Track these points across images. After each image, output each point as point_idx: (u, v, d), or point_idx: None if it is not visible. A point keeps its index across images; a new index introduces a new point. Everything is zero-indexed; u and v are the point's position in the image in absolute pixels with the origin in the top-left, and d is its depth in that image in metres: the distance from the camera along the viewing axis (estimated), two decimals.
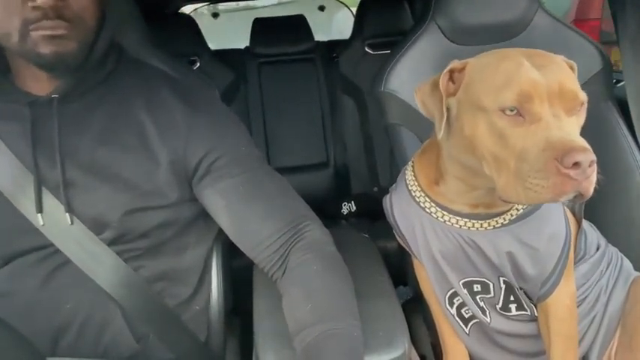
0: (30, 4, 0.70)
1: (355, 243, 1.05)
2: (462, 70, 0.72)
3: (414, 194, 0.85)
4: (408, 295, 1.26)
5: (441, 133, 0.71)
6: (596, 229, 0.98)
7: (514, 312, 0.87)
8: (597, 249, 0.93)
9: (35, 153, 0.78)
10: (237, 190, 0.83)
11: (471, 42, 1.12)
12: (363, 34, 2.13)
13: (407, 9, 2.18)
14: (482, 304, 0.88)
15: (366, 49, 2.12)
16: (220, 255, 1.00)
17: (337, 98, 2.17)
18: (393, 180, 0.95)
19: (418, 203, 0.84)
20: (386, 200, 0.92)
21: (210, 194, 0.84)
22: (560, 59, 0.68)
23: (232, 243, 0.86)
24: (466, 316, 0.91)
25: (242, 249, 0.85)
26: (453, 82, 0.73)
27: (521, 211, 0.79)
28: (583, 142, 0.60)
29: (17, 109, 0.79)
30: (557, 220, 0.81)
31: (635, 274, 0.95)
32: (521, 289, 0.85)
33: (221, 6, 3.53)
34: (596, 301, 0.89)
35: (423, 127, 1.08)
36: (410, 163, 0.89)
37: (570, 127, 0.63)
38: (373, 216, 1.92)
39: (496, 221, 0.79)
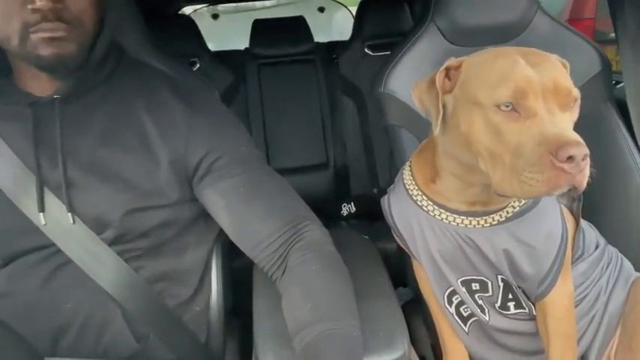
0: (29, 6, 0.70)
1: (355, 244, 1.05)
2: (458, 67, 0.73)
3: (411, 193, 0.85)
4: (408, 296, 1.26)
5: (437, 130, 0.72)
6: (595, 228, 0.99)
7: (513, 310, 0.88)
8: (596, 248, 0.94)
9: (37, 153, 0.78)
10: (237, 190, 0.83)
11: (471, 43, 1.12)
12: (363, 35, 2.13)
13: (406, 10, 2.18)
14: (480, 302, 0.88)
15: (366, 50, 2.12)
16: (220, 255, 1.00)
17: (337, 99, 2.17)
18: (392, 181, 0.96)
19: (415, 202, 0.85)
20: (384, 200, 0.92)
21: (210, 194, 0.84)
22: (553, 58, 0.70)
23: (232, 243, 0.87)
24: (465, 314, 0.91)
25: (242, 249, 0.85)
26: (450, 80, 0.74)
27: (518, 208, 0.80)
28: (576, 137, 0.61)
29: (19, 110, 0.79)
30: (553, 218, 0.81)
31: (636, 274, 0.95)
32: (519, 287, 0.85)
33: (221, 7, 3.53)
34: (596, 300, 0.90)
35: (423, 129, 1.08)
36: (407, 162, 0.90)
37: (564, 122, 0.64)
38: (373, 217, 1.92)
39: (492, 218, 0.80)
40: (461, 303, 0.90)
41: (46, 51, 0.73)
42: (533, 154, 0.61)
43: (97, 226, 0.80)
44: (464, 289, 0.87)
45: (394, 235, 0.93)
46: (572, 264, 0.87)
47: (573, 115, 0.67)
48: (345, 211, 2.02)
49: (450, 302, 0.91)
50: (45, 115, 0.79)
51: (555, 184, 0.60)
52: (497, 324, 0.89)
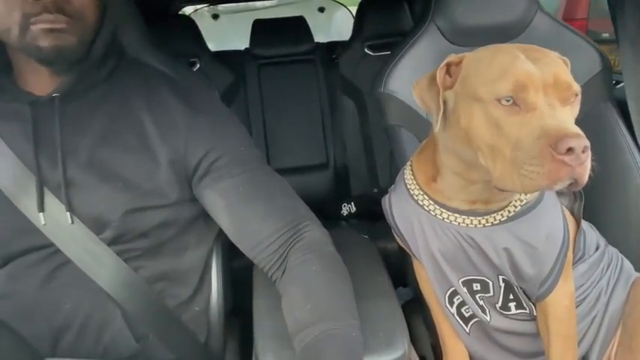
0: None
1: (355, 244, 1.05)
2: (458, 63, 0.73)
3: (412, 192, 0.85)
4: (408, 295, 1.26)
5: (437, 126, 0.72)
6: (595, 229, 0.98)
7: (514, 311, 0.88)
8: (597, 249, 0.94)
9: (37, 153, 0.78)
10: (236, 190, 0.83)
11: (471, 43, 1.11)
12: (363, 36, 2.13)
13: (406, 10, 2.18)
14: (481, 302, 0.88)
15: (366, 50, 2.12)
16: (220, 255, 1.00)
17: (337, 99, 2.17)
18: (392, 181, 0.95)
19: (416, 201, 0.84)
20: (385, 200, 0.92)
21: (210, 194, 0.84)
22: (554, 54, 0.70)
23: (232, 243, 0.87)
24: (466, 315, 0.91)
25: (242, 249, 0.85)
26: (450, 76, 0.74)
27: (519, 208, 0.79)
28: (576, 129, 0.61)
29: (18, 109, 0.80)
30: (554, 219, 0.81)
31: (636, 275, 0.95)
32: (520, 288, 0.85)
33: (221, 7, 3.53)
34: (597, 301, 0.90)
35: (423, 128, 1.08)
36: (408, 162, 0.90)
37: (565, 116, 0.64)
38: (373, 217, 1.92)
39: (494, 218, 0.79)
40: (462, 304, 0.90)
41: (45, 42, 0.73)
42: (533, 148, 0.61)
43: (97, 225, 0.80)
44: (465, 290, 0.87)
45: (395, 235, 0.93)
46: (572, 265, 0.87)
47: (574, 109, 0.67)
48: (345, 211, 2.02)
49: (452, 303, 0.91)
50: (44, 114, 0.79)
51: (556, 176, 0.60)
52: (498, 324, 0.89)
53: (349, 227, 1.98)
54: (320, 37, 2.33)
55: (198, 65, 2.03)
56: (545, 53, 0.69)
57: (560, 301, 0.83)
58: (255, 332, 0.80)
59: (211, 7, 3.40)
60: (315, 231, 0.84)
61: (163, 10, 2.20)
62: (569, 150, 0.59)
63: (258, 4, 3.48)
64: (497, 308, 0.88)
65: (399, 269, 1.20)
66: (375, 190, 2.08)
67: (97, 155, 0.80)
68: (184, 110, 0.85)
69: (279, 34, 2.20)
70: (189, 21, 2.15)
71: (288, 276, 0.80)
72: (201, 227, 0.92)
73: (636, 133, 1.08)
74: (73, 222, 0.78)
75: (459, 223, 0.81)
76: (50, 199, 0.78)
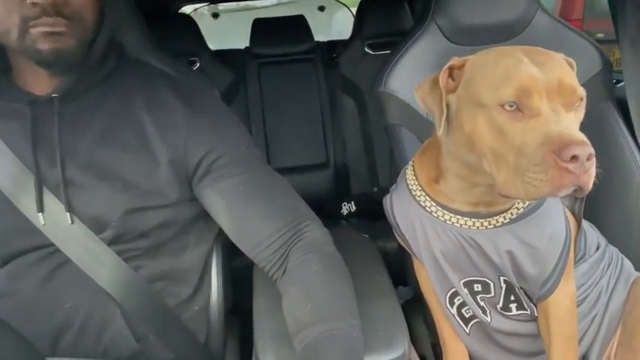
0: (29, 0, 0.70)
1: (355, 243, 1.05)
2: (461, 67, 0.72)
3: (414, 193, 0.85)
4: (408, 295, 1.26)
5: (440, 130, 0.72)
6: (596, 229, 0.98)
7: (514, 311, 0.87)
8: (597, 249, 0.93)
9: (35, 152, 0.78)
10: (237, 190, 0.83)
11: (471, 42, 1.12)
12: (363, 35, 2.13)
13: (407, 9, 2.18)
14: (482, 303, 0.88)
15: (366, 49, 2.12)
16: (220, 255, 1.00)
17: (337, 98, 2.17)
18: (393, 180, 0.95)
19: (418, 202, 0.84)
20: (386, 200, 0.92)
21: (210, 194, 0.84)
22: (559, 57, 0.69)
23: (232, 243, 0.86)
24: (467, 315, 0.91)
25: (242, 249, 0.85)
26: (453, 79, 0.73)
27: (522, 210, 0.79)
28: (581, 136, 0.60)
29: (18, 109, 0.79)
30: (557, 220, 0.81)
31: (636, 274, 0.95)
32: (521, 288, 0.85)
33: (221, 6, 3.53)
34: (597, 300, 0.89)
35: (423, 128, 1.08)
36: (410, 162, 0.90)
37: (569, 121, 0.63)
38: (373, 216, 1.92)
39: (496, 220, 0.79)
40: (462, 304, 0.90)
41: (45, 45, 0.73)
42: (536, 154, 0.60)
43: (96, 225, 0.80)
44: (466, 291, 0.87)
45: (396, 234, 0.93)
46: (574, 265, 0.87)
47: (579, 114, 0.66)
48: (345, 211, 2.02)
49: (452, 303, 0.91)
50: (43, 114, 0.79)
51: (560, 184, 0.59)
52: (499, 325, 0.89)
53: (349, 226, 1.98)
54: (320, 36, 2.33)
55: (198, 64, 2.02)
56: (550, 56, 0.67)
57: (562, 301, 0.82)
58: (255, 332, 0.80)
59: (211, 6, 3.40)
60: (315, 231, 0.83)
61: (163, 9, 2.20)
62: (574, 157, 0.58)
63: (258, 3, 3.49)
64: (498, 309, 0.88)
65: (399, 268, 1.20)
66: (375, 189, 2.08)
67: (97, 155, 0.80)
68: (184, 110, 0.85)
69: (280, 33, 2.20)
70: (189, 20, 2.15)
71: (289, 276, 0.80)
72: (201, 227, 0.92)
73: (636, 132, 1.08)
74: (72, 222, 0.78)
75: (461, 224, 0.81)
76: (50, 199, 0.78)
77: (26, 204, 0.78)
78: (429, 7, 1.15)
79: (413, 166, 0.88)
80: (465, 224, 0.80)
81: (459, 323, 0.92)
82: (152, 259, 0.85)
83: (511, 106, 0.64)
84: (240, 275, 1.01)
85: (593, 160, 0.59)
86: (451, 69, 0.73)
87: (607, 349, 0.89)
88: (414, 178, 0.86)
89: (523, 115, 0.63)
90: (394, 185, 0.93)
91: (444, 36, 1.14)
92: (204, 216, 0.89)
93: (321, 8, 3.50)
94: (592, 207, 0.97)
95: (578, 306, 0.87)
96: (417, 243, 0.86)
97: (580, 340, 0.88)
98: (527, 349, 0.91)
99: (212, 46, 2.21)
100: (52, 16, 0.72)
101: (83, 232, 0.79)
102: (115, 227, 0.80)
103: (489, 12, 1.11)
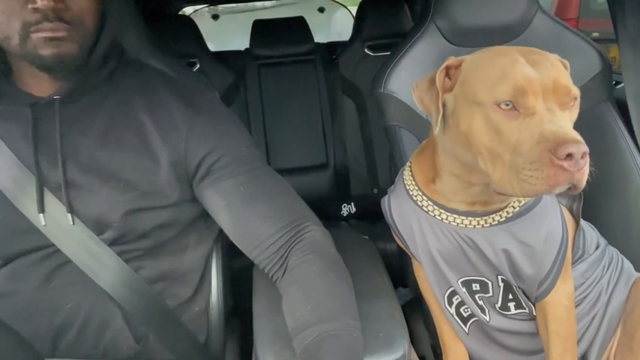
0: (30, 6, 0.70)
1: (355, 244, 1.05)
2: (458, 66, 0.73)
3: (411, 193, 0.86)
4: (408, 296, 1.26)
5: (437, 129, 0.72)
6: (595, 229, 0.98)
7: (513, 310, 0.88)
8: (596, 248, 0.94)
9: (37, 154, 0.78)
10: (237, 190, 0.83)
11: (471, 43, 1.12)
12: (363, 36, 2.13)
13: (406, 10, 2.18)
14: (481, 302, 0.88)
15: (366, 50, 2.12)
16: (220, 255, 1.00)
17: (337, 100, 2.17)
18: (392, 181, 0.95)
19: (416, 202, 0.85)
20: (384, 201, 0.92)
21: (210, 195, 0.84)
22: (553, 57, 0.70)
23: (232, 243, 0.87)
24: (465, 315, 0.91)
25: (242, 249, 0.85)
26: (450, 79, 0.74)
27: (518, 209, 0.80)
28: (575, 134, 0.61)
29: (19, 111, 0.79)
30: (554, 219, 0.81)
31: (636, 275, 0.95)
32: (519, 287, 0.85)
33: (221, 7, 3.54)
34: (597, 300, 0.90)
35: (423, 129, 1.08)
36: (408, 163, 0.90)
37: (564, 120, 0.64)
38: (373, 217, 1.92)
39: (493, 219, 0.80)
40: (461, 304, 0.90)
41: (46, 51, 0.73)
42: (532, 152, 0.61)
43: (97, 226, 0.80)
44: (464, 290, 0.87)
45: (394, 235, 0.93)
46: (572, 264, 0.87)
47: (573, 114, 0.68)
48: (345, 212, 2.02)
49: (450, 303, 0.91)
50: (44, 116, 0.79)
51: (554, 181, 0.60)
52: (498, 324, 0.89)
53: (349, 228, 1.99)
54: (320, 38, 2.34)
55: (198, 65, 2.03)
56: (545, 56, 0.69)
57: (560, 300, 0.83)
58: (255, 332, 0.80)
59: (211, 7, 3.40)
60: (316, 231, 0.84)
61: (163, 10, 2.20)
62: (569, 155, 0.59)
63: (258, 4, 3.48)
64: (497, 308, 0.88)
65: (399, 270, 1.20)
66: (375, 190, 2.08)
67: (98, 156, 0.80)
68: (185, 111, 0.85)
69: (279, 35, 2.20)
70: (189, 21, 2.15)
71: (289, 276, 0.80)
72: (201, 227, 0.92)
73: (636, 133, 1.08)
74: (73, 223, 0.78)
75: (458, 223, 0.81)
76: (50, 200, 0.78)
77: (27, 205, 0.78)
78: (429, 9, 1.15)
79: (410, 166, 0.88)
80: (462, 223, 0.81)
81: (458, 323, 0.92)
82: (153, 259, 0.86)
83: (507, 105, 0.65)
84: (240, 276, 1.01)
85: (587, 158, 0.61)
86: (448, 68, 0.74)
87: (607, 349, 0.89)
88: (412, 178, 0.87)
89: (519, 113, 0.64)
90: (392, 186, 0.93)
91: (444, 37, 1.14)
92: (205, 216, 0.89)
93: (321, 9, 3.50)
94: (591, 207, 0.98)
95: (577, 305, 0.87)
96: (415, 243, 0.86)
97: (579, 340, 0.88)
98: (526, 348, 0.91)
99: (212, 47, 2.21)
100: (53, 22, 0.72)
101: (84, 233, 0.79)
102: (116, 228, 0.80)
103: (489, 13, 1.11)
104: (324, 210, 1.85)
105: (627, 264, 0.96)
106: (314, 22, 2.34)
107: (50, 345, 0.80)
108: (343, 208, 2.02)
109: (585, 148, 0.60)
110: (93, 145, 0.80)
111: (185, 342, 0.89)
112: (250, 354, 0.80)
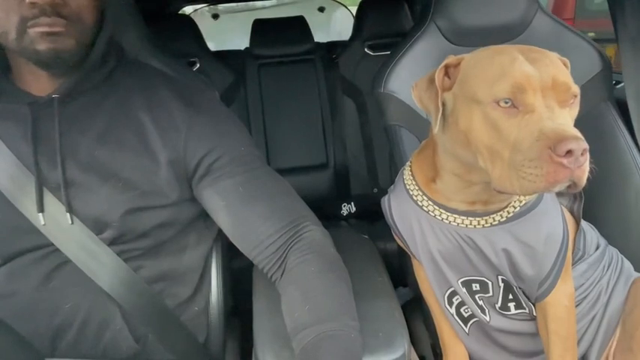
0: (28, 0, 0.70)
1: (355, 244, 1.05)
2: (457, 65, 0.73)
3: (411, 193, 0.85)
4: (408, 296, 1.26)
5: (436, 128, 0.72)
6: (595, 229, 0.98)
7: (513, 311, 0.88)
8: (596, 248, 0.94)
9: (36, 153, 0.78)
10: (237, 190, 0.83)
11: (471, 43, 1.12)
12: (363, 36, 2.13)
13: (406, 10, 2.18)
14: (481, 302, 0.88)
15: (366, 50, 2.12)
16: (220, 255, 1.00)
17: (337, 99, 2.17)
18: (392, 181, 0.95)
19: (416, 202, 0.84)
20: (384, 200, 0.92)
21: (210, 194, 0.84)
22: (553, 55, 0.70)
23: (232, 243, 0.86)
24: (465, 315, 0.91)
25: (241, 249, 0.85)
26: (449, 78, 0.74)
27: (518, 209, 0.79)
28: (575, 131, 0.61)
29: (18, 110, 0.79)
30: (554, 219, 0.81)
31: (636, 274, 0.95)
32: (519, 288, 0.85)
33: (221, 7, 3.53)
34: (597, 300, 0.90)
35: (423, 128, 1.08)
36: (408, 162, 0.90)
37: (563, 118, 0.64)
38: (373, 217, 1.92)
39: (493, 219, 0.79)
40: (461, 304, 0.90)
41: (42, 46, 0.73)
42: (531, 150, 0.61)
43: (97, 226, 0.80)
44: (464, 290, 0.87)
45: (394, 235, 0.93)
46: (572, 265, 0.87)
47: (573, 111, 0.67)
48: (345, 211, 2.02)
49: (451, 303, 0.91)
50: (44, 115, 0.79)
51: (554, 179, 0.60)
52: (498, 324, 0.89)
53: (349, 227, 1.99)
54: (320, 37, 2.33)
55: (198, 65, 2.03)
56: (544, 54, 0.69)
57: (560, 301, 0.82)
58: (255, 332, 0.80)
59: (211, 6, 3.39)
60: (315, 231, 0.83)
61: (163, 9, 2.20)
62: (569, 152, 0.59)
63: (258, 3, 3.48)
64: (497, 308, 0.88)
65: (399, 269, 1.20)
66: (375, 190, 2.08)
67: (97, 155, 0.80)
68: (184, 110, 0.85)
69: (279, 34, 2.20)
70: (189, 21, 2.15)
71: (288, 276, 0.80)
72: (200, 227, 0.92)
73: (636, 133, 1.08)
74: (73, 222, 0.78)
75: (458, 223, 0.81)
76: (50, 200, 0.78)
77: (26, 204, 0.78)
78: (429, 8, 1.15)
79: (410, 166, 0.88)
80: (462, 223, 0.81)
81: (458, 323, 0.92)
82: (152, 259, 0.85)
83: (506, 102, 0.64)
84: (240, 276, 1.01)
85: (587, 155, 0.60)
86: (447, 67, 0.74)
87: (606, 349, 0.89)
88: (412, 177, 0.87)
89: (518, 111, 0.64)
90: (392, 186, 0.93)
91: (444, 37, 1.14)
92: (204, 216, 0.89)
93: (321, 9, 3.50)
94: (591, 207, 0.97)
95: (577, 305, 0.87)
96: (415, 243, 0.86)
97: (579, 340, 0.88)
98: (526, 349, 0.91)
99: (212, 46, 2.21)
100: (51, 17, 0.72)
101: (83, 233, 0.79)
102: (115, 227, 0.80)
103: (489, 13, 1.11)
104: (324, 209, 1.85)
105: (627, 264, 0.96)
106: (314, 21, 2.34)
107: (50, 345, 0.80)
108: (343, 208, 2.02)
109: (585, 145, 0.59)
110: (92, 145, 0.80)
111: (185, 342, 0.89)
112: (250, 354, 0.80)
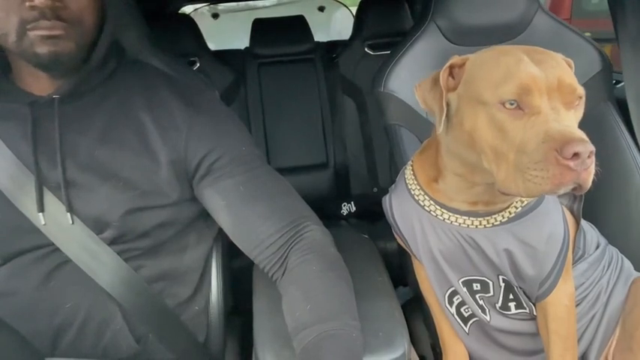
0: (27, 3, 0.70)
1: (355, 243, 1.05)
2: (462, 65, 0.73)
3: (413, 192, 0.85)
4: (408, 295, 1.26)
5: (441, 128, 0.72)
6: (595, 229, 0.98)
7: (513, 310, 0.88)
8: (597, 248, 0.94)
9: (36, 153, 0.78)
10: (237, 190, 0.83)
11: (471, 43, 1.12)
12: (363, 35, 2.13)
13: (407, 9, 2.18)
14: (481, 302, 0.88)
15: (366, 49, 2.12)
16: (220, 255, 1.00)
17: (337, 99, 2.17)
18: (392, 180, 0.95)
19: (417, 202, 0.84)
20: (385, 200, 0.92)
21: (210, 194, 0.84)
22: (558, 56, 0.70)
23: (232, 243, 0.87)
24: (465, 315, 0.91)
25: (242, 249, 0.85)
26: (453, 78, 0.74)
27: (520, 209, 0.79)
28: (582, 134, 0.61)
29: (18, 110, 0.79)
30: (555, 219, 0.81)
31: (636, 274, 0.95)
32: (520, 287, 0.85)
33: (221, 6, 3.53)
34: (596, 300, 0.90)
35: (423, 128, 1.08)
36: (409, 162, 0.90)
37: (569, 120, 0.64)
38: (373, 217, 1.92)
39: (495, 219, 0.79)
40: (461, 303, 0.90)
41: (42, 49, 0.73)
42: (537, 152, 0.61)
43: (97, 225, 0.80)
44: (465, 290, 0.87)
45: (395, 234, 0.93)
46: (572, 264, 0.87)
47: (578, 113, 0.67)
48: (345, 211, 2.02)
49: (451, 302, 0.91)
50: (44, 115, 0.79)
51: (560, 181, 0.60)
52: (498, 324, 0.89)
53: (349, 227, 1.99)
54: (320, 37, 2.33)
55: (198, 65, 2.03)
56: (549, 55, 0.68)
57: (560, 301, 0.82)
58: (255, 332, 0.80)
59: (211, 6, 3.39)
60: (316, 231, 0.83)
61: (163, 9, 2.20)
62: (575, 155, 0.58)
63: (258, 3, 3.49)
64: (497, 308, 0.88)
65: (399, 269, 1.20)
66: (375, 189, 2.08)
67: (97, 155, 0.80)
68: (185, 110, 0.85)
69: (279, 34, 2.20)
70: (189, 20, 2.14)
71: (289, 276, 0.80)
72: (201, 227, 0.92)
73: (636, 133, 1.08)
74: (73, 222, 0.78)
75: (460, 223, 0.81)
76: (50, 200, 0.78)
77: (26, 204, 0.78)
78: (429, 8, 1.15)
79: (412, 165, 0.88)
80: (464, 223, 0.81)
81: (458, 322, 0.92)
82: (152, 259, 0.85)
83: (512, 104, 0.64)
84: (240, 275, 1.01)
85: (594, 158, 0.60)
86: (451, 67, 0.73)
87: (606, 349, 0.89)
88: (413, 177, 0.86)
89: (524, 113, 0.64)
90: (393, 185, 0.93)
91: (444, 36, 1.14)
92: (205, 216, 0.89)
93: (321, 8, 3.50)
94: (591, 207, 0.98)
95: (577, 305, 0.87)
96: (416, 242, 0.86)
97: (579, 340, 0.88)
98: (526, 348, 0.91)
99: (212, 46, 2.21)
100: (50, 20, 0.72)
101: (83, 232, 0.79)
102: (116, 227, 0.80)
103: (489, 12, 1.11)
104: (324, 209, 1.85)
105: (627, 263, 0.96)
106: (314, 21, 2.34)
107: (50, 344, 0.80)
108: (343, 207, 2.02)
109: (592, 148, 0.59)
110: (92, 145, 0.80)
111: (185, 341, 0.89)
112: (250, 353, 0.80)
